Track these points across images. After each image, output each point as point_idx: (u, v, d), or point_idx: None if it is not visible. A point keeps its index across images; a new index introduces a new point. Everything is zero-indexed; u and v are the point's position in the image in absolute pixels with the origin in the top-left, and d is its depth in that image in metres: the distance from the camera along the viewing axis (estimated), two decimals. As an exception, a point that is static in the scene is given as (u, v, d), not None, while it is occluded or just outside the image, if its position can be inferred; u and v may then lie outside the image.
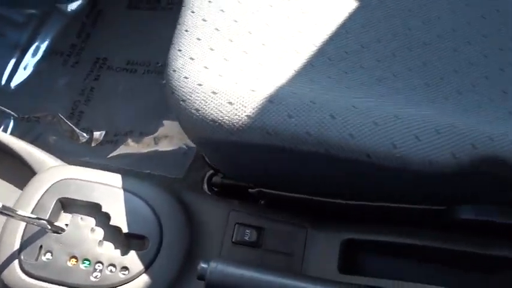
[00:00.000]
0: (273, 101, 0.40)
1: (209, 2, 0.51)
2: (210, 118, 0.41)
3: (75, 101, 0.91)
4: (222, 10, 0.50)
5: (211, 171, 0.74)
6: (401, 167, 0.39)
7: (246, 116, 0.40)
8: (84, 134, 0.87)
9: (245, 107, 0.40)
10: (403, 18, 0.52)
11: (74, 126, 0.87)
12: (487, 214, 0.50)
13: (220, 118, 0.41)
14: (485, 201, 0.50)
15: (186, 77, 0.45)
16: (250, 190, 0.59)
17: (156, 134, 0.86)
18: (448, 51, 0.50)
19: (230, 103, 0.41)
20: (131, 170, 0.80)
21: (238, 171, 0.53)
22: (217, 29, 0.49)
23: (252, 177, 0.53)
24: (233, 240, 0.56)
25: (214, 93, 0.42)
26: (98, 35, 0.98)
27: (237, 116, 0.40)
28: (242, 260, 0.55)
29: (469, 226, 0.52)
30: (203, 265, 0.46)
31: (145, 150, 0.85)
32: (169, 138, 0.85)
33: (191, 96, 0.43)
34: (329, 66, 0.47)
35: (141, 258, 0.51)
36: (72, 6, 1.01)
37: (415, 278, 0.53)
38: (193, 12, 0.51)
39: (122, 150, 0.86)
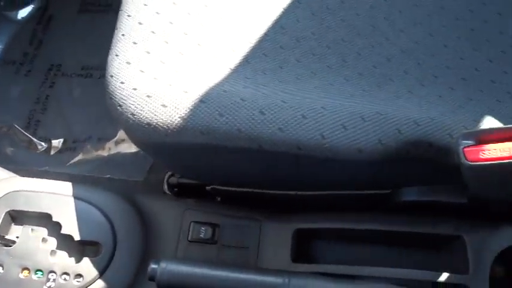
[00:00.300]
0: (204, 101, 0.40)
1: (145, 5, 0.51)
2: (145, 122, 0.42)
3: (31, 110, 0.89)
4: (157, 12, 0.51)
5: (170, 172, 0.75)
6: (332, 156, 0.40)
7: (179, 117, 0.40)
8: (42, 143, 0.86)
9: (178, 108, 0.41)
10: (336, 10, 0.53)
11: (31, 136, 0.86)
12: (429, 195, 0.52)
13: (155, 121, 0.41)
14: (427, 182, 0.52)
15: (122, 82, 0.45)
16: (206, 188, 0.60)
17: (115, 139, 0.85)
18: (381, 41, 0.52)
19: (164, 106, 0.41)
20: (91, 176, 0.80)
21: (186, 171, 0.54)
22: (153, 32, 0.49)
23: (201, 175, 0.54)
24: (189, 238, 0.57)
25: (148, 96, 0.42)
26: (50, 42, 0.97)
27: (170, 118, 0.41)
28: (198, 257, 0.56)
29: (414, 207, 0.54)
30: (153, 266, 0.46)
31: (105, 155, 0.85)
32: (128, 141, 0.84)
33: (127, 101, 0.43)
34: (265, 62, 0.48)
35: (95, 264, 0.51)
36: (22, 14, 0.99)
37: (366, 261, 0.55)
38: (129, 16, 0.51)
39: (81, 156, 0.85)
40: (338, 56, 0.50)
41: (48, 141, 0.87)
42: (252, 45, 0.49)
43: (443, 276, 0.48)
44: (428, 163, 0.45)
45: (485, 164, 0.35)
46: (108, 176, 0.81)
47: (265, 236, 0.56)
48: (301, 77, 0.47)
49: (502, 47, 0.53)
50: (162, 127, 0.41)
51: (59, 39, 0.97)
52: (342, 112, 0.41)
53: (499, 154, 0.35)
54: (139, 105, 0.42)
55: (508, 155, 0.35)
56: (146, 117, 0.41)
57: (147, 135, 0.42)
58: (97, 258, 0.52)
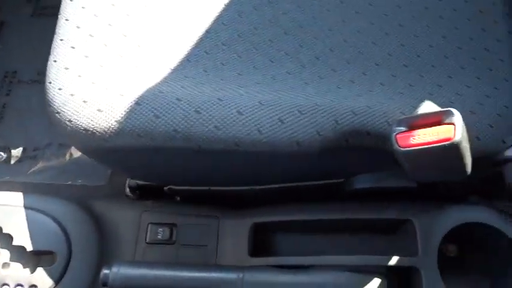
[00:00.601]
0: (140, 103, 0.40)
1: (82, 7, 0.51)
2: (82, 128, 0.41)
3: (-12, 120, 0.87)
4: (95, 15, 0.50)
5: (131, 175, 0.74)
6: (271, 150, 0.41)
7: (116, 121, 0.40)
8: (2, 153, 0.84)
9: (114, 112, 0.40)
10: (278, 3, 0.53)
11: (-11, 147, 0.84)
12: (379, 181, 0.53)
13: (92, 127, 0.41)
14: (378, 169, 0.53)
15: (60, 88, 0.44)
16: (164, 188, 0.60)
17: (75, 144, 0.84)
18: (324, 31, 0.52)
19: (99, 110, 0.41)
20: (51, 184, 0.79)
21: (135, 174, 0.53)
22: (91, 35, 0.48)
23: (152, 177, 0.54)
24: (147, 240, 0.57)
25: (84, 102, 0.42)
26: (4, 48, 0.94)
27: (106, 123, 0.40)
28: (157, 258, 0.56)
29: (367, 194, 0.55)
30: (105, 271, 0.46)
31: (66, 161, 0.83)
32: (89, 146, 0.83)
33: (64, 108, 0.42)
34: (206, 60, 0.48)
35: (50, 273, 0.51)
36: (-27, 21, 0.96)
37: (323, 250, 0.56)
38: (67, 20, 0.50)
39: (42, 164, 0.83)
40: (280, 49, 0.50)
41: (7, 150, 0.85)
42: (193, 43, 0.49)
43: (394, 260, 0.49)
44: (373, 151, 0.46)
45: (415, 149, 0.36)
46: (70, 182, 0.80)
47: (224, 233, 0.57)
48: (243, 72, 0.47)
49: (442, 33, 0.53)
50: (99, 132, 0.40)
51: (12, 45, 0.94)
52: (280, 106, 0.41)
53: (428, 139, 0.36)
54: (76, 111, 0.42)
55: (436, 139, 0.36)
56: (83, 123, 0.41)
57: (86, 141, 0.41)
58: (51, 268, 0.51)
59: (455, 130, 0.35)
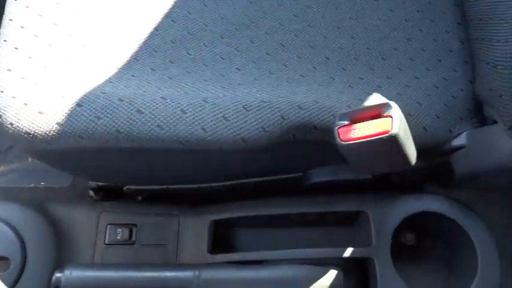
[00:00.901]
0: (81, 105, 0.39)
1: (27, 7, 0.49)
2: (23, 131, 0.40)
3: None
4: (40, 14, 0.49)
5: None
6: (217, 148, 0.40)
7: (57, 123, 0.39)
8: (-38, 158, 0.82)
9: (55, 114, 0.40)
10: (227, 0, 0.53)
11: None
12: (335, 174, 0.54)
13: (33, 130, 0.40)
14: (334, 163, 0.53)
15: (1, 91, 0.43)
16: (123, 188, 0.59)
17: (38, 146, 0.82)
18: (275, 27, 0.52)
19: (40, 113, 0.40)
20: (12, 188, 0.77)
21: (87, 174, 0.53)
22: (35, 35, 0.47)
23: (106, 177, 0.53)
24: (105, 242, 0.56)
25: (25, 104, 0.41)
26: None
27: (48, 125, 0.39)
28: (117, 260, 0.55)
29: (324, 188, 0.55)
30: (57, 275, 0.46)
31: (28, 163, 0.82)
32: (51, 147, 0.82)
33: (6, 111, 0.41)
34: (154, 58, 0.47)
35: (3, 279, 0.50)
36: None
37: (282, 244, 0.56)
38: (11, 20, 0.49)
39: (4, 167, 0.82)
40: (231, 45, 0.50)
41: (-33, 155, 0.83)
42: (142, 41, 0.48)
43: (349, 252, 0.50)
44: (326, 144, 0.46)
45: (355, 143, 0.36)
46: (33, 185, 0.78)
47: (184, 231, 0.57)
48: (191, 70, 0.47)
49: (392, 25, 0.54)
50: (40, 135, 0.39)
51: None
52: (225, 103, 0.41)
53: (367, 132, 0.36)
54: (17, 114, 0.41)
55: (375, 132, 0.36)
56: (24, 126, 0.40)
57: (29, 144, 0.41)
58: (5, 274, 0.50)
59: (392, 123, 0.35)
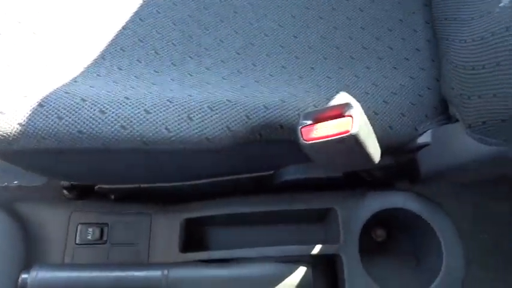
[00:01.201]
0: (43, 105, 0.39)
1: (-10, 4, 0.48)
2: (-15, 132, 0.40)
3: None
4: (3, 12, 0.48)
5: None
6: (182, 148, 0.40)
7: (18, 124, 0.39)
8: None
9: (17, 115, 0.39)
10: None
11: None
12: (305, 172, 0.54)
13: (-6, 130, 0.39)
14: (305, 161, 0.54)
15: (-36, 91, 0.42)
16: (95, 188, 0.59)
17: (11, 144, 0.81)
18: (244, 26, 0.52)
19: (2, 113, 0.39)
20: (-16, 187, 0.76)
21: (53, 174, 0.52)
22: (-1, 34, 0.46)
23: (72, 176, 0.53)
24: (76, 241, 0.56)
25: (-13, 105, 0.40)
26: None
27: (9, 126, 0.39)
28: (88, 260, 0.55)
29: (295, 186, 0.56)
30: (23, 275, 0.45)
31: (3, 162, 0.81)
32: (25, 146, 0.81)
33: (-33, 112, 0.41)
34: (122, 57, 0.47)
35: (-30, 281, 0.49)
36: None
37: (254, 242, 0.56)
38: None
39: (-24, 167, 0.80)
40: (200, 44, 0.50)
41: None
42: (109, 40, 0.48)
43: (318, 249, 0.50)
44: (295, 143, 0.46)
45: (317, 142, 0.37)
46: (5, 184, 0.77)
47: (156, 230, 0.57)
48: (159, 69, 0.47)
49: (361, 24, 0.55)
50: (2, 135, 0.39)
51: None
52: (189, 103, 0.41)
53: (328, 132, 0.37)
54: (-22, 114, 0.40)
55: (336, 132, 0.36)
56: (-15, 127, 0.39)
57: None
58: (-28, 276, 0.50)
59: (353, 122, 0.36)
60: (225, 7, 0.53)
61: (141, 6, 0.51)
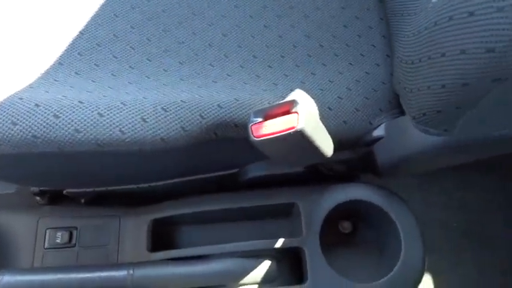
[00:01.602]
0: (-3, 111, 0.40)
1: None
2: None
3: None
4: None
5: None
6: (137, 149, 0.41)
7: (-27, 131, 0.39)
8: None
9: (-29, 122, 0.40)
10: (154, 1, 0.53)
11: None
12: (267, 169, 0.56)
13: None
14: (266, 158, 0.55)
15: None
16: (63, 192, 0.59)
17: (-17, 152, 0.81)
18: (203, 27, 0.53)
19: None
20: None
21: (17, 179, 0.53)
22: (-45, 42, 0.47)
23: (35, 181, 0.53)
24: (45, 246, 0.56)
25: None
26: None
27: (-36, 133, 0.39)
28: (57, 263, 0.55)
29: (260, 182, 0.57)
30: (-12, 282, 0.46)
31: (-26, 171, 0.80)
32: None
33: None
34: (79, 62, 0.48)
35: None
36: None
37: (220, 239, 0.57)
38: None
39: None
40: (159, 47, 0.51)
41: None
42: (67, 45, 0.49)
43: (281, 242, 0.52)
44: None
45: (266, 139, 0.38)
46: (-22, 192, 0.77)
47: (124, 231, 0.57)
48: (117, 73, 0.48)
49: (317, 22, 0.56)
50: None
51: None
52: (143, 105, 0.42)
53: (276, 128, 0.38)
54: None
55: (283, 128, 0.38)
56: None
57: None
58: None
59: (298, 119, 0.37)
60: (182, 9, 0.54)
61: (98, 10, 0.51)
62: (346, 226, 0.61)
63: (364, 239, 0.60)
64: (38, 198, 0.75)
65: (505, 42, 0.26)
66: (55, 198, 0.65)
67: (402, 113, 0.51)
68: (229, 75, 0.50)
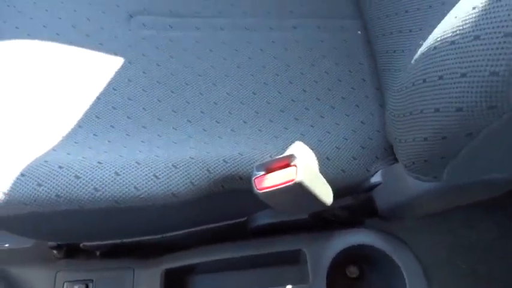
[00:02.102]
0: (24, 174, 0.44)
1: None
2: (-29, 201, 0.44)
3: None
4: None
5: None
6: (151, 204, 0.45)
7: (3, 193, 0.43)
8: None
9: (1, 184, 0.44)
10: (165, 64, 0.59)
11: None
12: (274, 217, 0.58)
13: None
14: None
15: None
16: (80, 245, 0.62)
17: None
18: (208, 88, 0.58)
19: (-13, 184, 0.44)
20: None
21: (38, 235, 0.56)
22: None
23: (56, 236, 0.56)
24: (62, 299, 0.58)
25: (-26, 177, 0.45)
26: None
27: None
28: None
29: (268, 230, 0.59)
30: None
31: (-6, 226, 0.84)
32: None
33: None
34: (97, 124, 0.52)
35: None
36: None
37: (232, 287, 0.59)
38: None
39: (-31, 232, 0.84)
40: (168, 107, 0.56)
41: None
42: (85, 109, 0.54)
43: (289, 289, 0.53)
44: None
45: (268, 191, 0.41)
46: (-3, 247, 0.80)
47: (138, 283, 0.59)
48: (131, 133, 0.52)
49: (314, 78, 0.61)
50: None
51: None
52: (156, 163, 0.46)
53: (277, 181, 0.41)
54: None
55: (283, 181, 0.41)
56: (-29, 196, 0.44)
57: None
58: None
59: (297, 171, 0.40)
60: (189, 72, 0.59)
61: (114, 76, 0.57)
62: (353, 270, 0.63)
63: (370, 283, 0.61)
64: (54, 252, 0.78)
65: (470, 103, 0.29)
66: (71, 252, 0.68)
67: (397, 159, 0.54)
68: (233, 131, 0.54)
